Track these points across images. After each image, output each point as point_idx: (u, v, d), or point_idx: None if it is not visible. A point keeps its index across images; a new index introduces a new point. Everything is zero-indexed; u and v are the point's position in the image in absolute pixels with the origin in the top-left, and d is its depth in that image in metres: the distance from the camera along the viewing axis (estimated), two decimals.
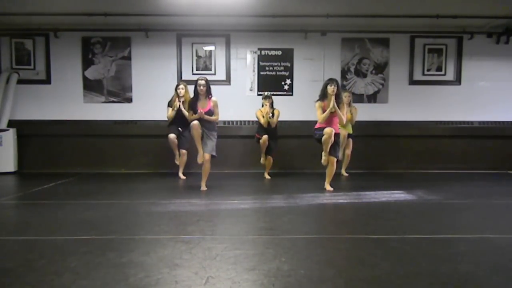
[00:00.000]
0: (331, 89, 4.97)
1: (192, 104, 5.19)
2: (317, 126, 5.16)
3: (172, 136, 6.11)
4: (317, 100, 5.13)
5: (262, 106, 6.26)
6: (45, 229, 3.39)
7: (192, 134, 5.10)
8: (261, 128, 6.25)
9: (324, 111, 5.04)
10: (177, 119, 6.09)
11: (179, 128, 6.15)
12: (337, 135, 5.10)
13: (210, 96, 5.16)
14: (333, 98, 4.95)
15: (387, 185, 5.65)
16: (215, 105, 5.15)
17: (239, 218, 3.84)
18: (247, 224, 3.64)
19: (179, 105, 5.96)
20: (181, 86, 6.09)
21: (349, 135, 6.47)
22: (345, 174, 6.65)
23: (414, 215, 4.02)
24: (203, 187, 5.26)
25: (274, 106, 6.29)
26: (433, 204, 4.48)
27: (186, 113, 5.81)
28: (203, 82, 5.12)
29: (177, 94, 6.07)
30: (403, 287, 2.21)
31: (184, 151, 6.23)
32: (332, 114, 5.00)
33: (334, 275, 2.35)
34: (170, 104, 6.20)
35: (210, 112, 5.11)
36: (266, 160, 6.36)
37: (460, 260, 2.63)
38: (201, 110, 5.04)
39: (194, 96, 5.23)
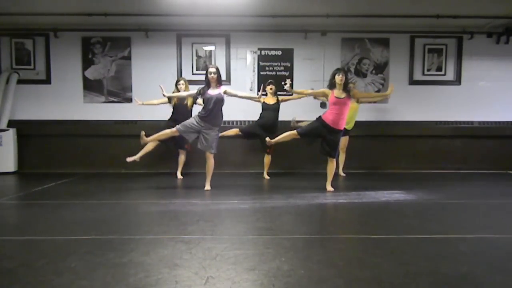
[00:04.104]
0: (339, 78, 4.98)
1: (203, 92, 5.14)
2: (325, 115, 5.07)
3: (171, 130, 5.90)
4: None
5: (266, 94, 6.23)
6: (45, 229, 3.39)
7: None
8: (257, 123, 6.22)
9: (325, 97, 5.26)
10: (177, 116, 6.05)
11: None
12: (339, 132, 5.09)
13: (220, 85, 5.15)
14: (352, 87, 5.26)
15: (387, 185, 5.64)
16: (226, 91, 5.16)
17: (239, 218, 3.85)
18: (247, 224, 3.64)
19: (163, 92, 5.67)
20: (181, 81, 6.13)
21: (346, 133, 6.33)
22: (342, 175, 6.62)
23: (414, 215, 4.02)
24: (207, 187, 5.24)
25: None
26: (433, 204, 4.48)
27: (182, 94, 5.75)
28: (213, 69, 5.09)
29: (177, 90, 6.09)
30: (403, 287, 2.21)
31: (182, 150, 6.23)
32: (342, 101, 4.98)
33: (334, 275, 2.35)
34: (169, 99, 6.14)
35: (220, 96, 5.08)
36: (265, 159, 6.33)
37: (460, 260, 2.63)
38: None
39: (205, 84, 5.17)
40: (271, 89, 6.20)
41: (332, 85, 5.07)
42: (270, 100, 6.22)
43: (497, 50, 7.30)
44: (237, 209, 4.19)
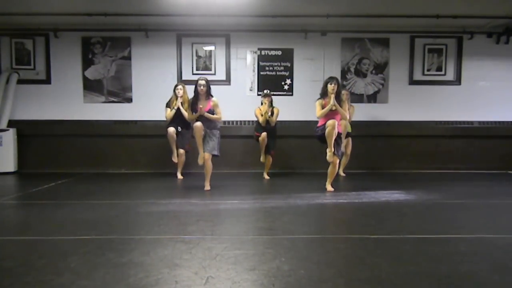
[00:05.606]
0: (331, 87, 4.97)
1: (192, 104, 5.19)
2: (319, 124, 5.16)
3: (171, 130, 6.03)
4: (318, 99, 5.14)
5: (262, 104, 6.25)
6: (45, 229, 3.39)
7: (194, 135, 5.08)
8: (259, 126, 6.23)
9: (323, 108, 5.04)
10: (176, 119, 6.09)
11: (178, 127, 6.15)
12: (339, 134, 5.10)
13: (210, 97, 5.17)
14: (333, 96, 4.95)
15: (387, 185, 5.65)
16: (216, 105, 5.15)
17: (239, 218, 3.85)
18: (247, 224, 3.64)
19: (178, 105, 5.98)
20: (180, 86, 6.12)
21: (348, 134, 6.44)
22: (343, 174, 6.63)
23: (414, 215, 4.02)
24: (207, 187, 5.25)
25: (274, 105, 6.27)
26: (433, 204, 4.47)
27: (185, 112, 5.82)
28: (203, 82, 5.13)
29: (175, 95, 6.09)
30: (403, 287, 2.21)
31: (182, 151, 6.22)
32: (334, 112, 4.99)
33: (334, 275, 2.35)
34: (168, 105, 6.21)
35: (211, 112, 5.12)
36: (266, 160, 6.35)
37: (460, 260, 2.63)
38: (201, 107, 5.04)
39: (194, 96, 5.22)
40: (267, 100, 6.16)
41: (324, 93, 5.07)
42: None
43: (497, 50, 7.30)
44: (237, 209, 4.19)
